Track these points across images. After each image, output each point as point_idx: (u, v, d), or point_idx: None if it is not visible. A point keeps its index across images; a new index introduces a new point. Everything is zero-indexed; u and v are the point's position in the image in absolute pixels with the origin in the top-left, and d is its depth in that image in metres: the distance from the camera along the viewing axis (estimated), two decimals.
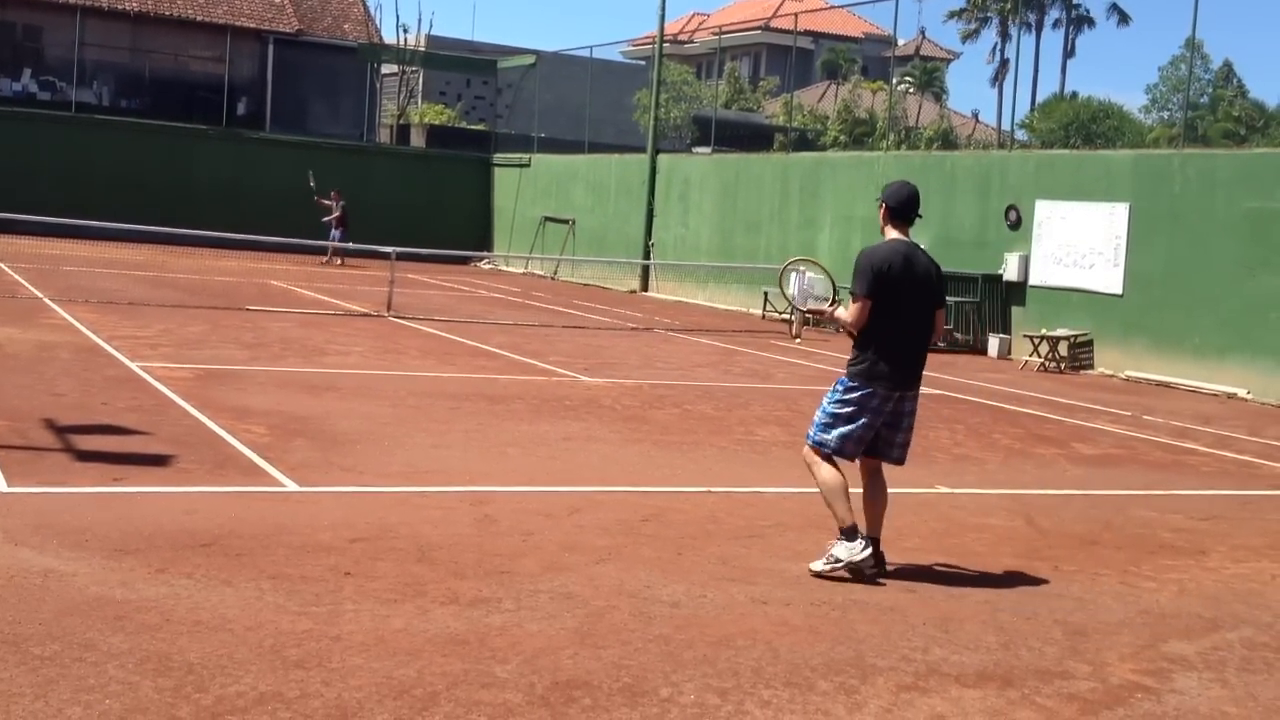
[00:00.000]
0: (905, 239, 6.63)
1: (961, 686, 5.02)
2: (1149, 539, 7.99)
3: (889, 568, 6.57)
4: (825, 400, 6.62)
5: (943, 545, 7.37)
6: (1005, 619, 5.96)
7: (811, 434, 6.61)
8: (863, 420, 6.47)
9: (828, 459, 6.54)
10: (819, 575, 6.40)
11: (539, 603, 5.67)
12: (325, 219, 29.62)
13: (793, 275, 7.14)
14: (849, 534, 6.42)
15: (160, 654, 4.70)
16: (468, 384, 12.67)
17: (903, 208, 6.64)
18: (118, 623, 5.00)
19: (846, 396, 6.50)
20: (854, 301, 6.46)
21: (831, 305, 6.86)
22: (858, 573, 6.39)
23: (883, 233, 6.71)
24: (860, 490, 6.63)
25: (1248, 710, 5.02)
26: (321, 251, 29.14)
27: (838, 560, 6.40)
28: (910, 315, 6.50)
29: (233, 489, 7.49)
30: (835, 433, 6.51)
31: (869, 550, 6.40)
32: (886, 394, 6.46)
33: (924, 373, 6.68)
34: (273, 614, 5.25)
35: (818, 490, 6.58)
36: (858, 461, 6.66)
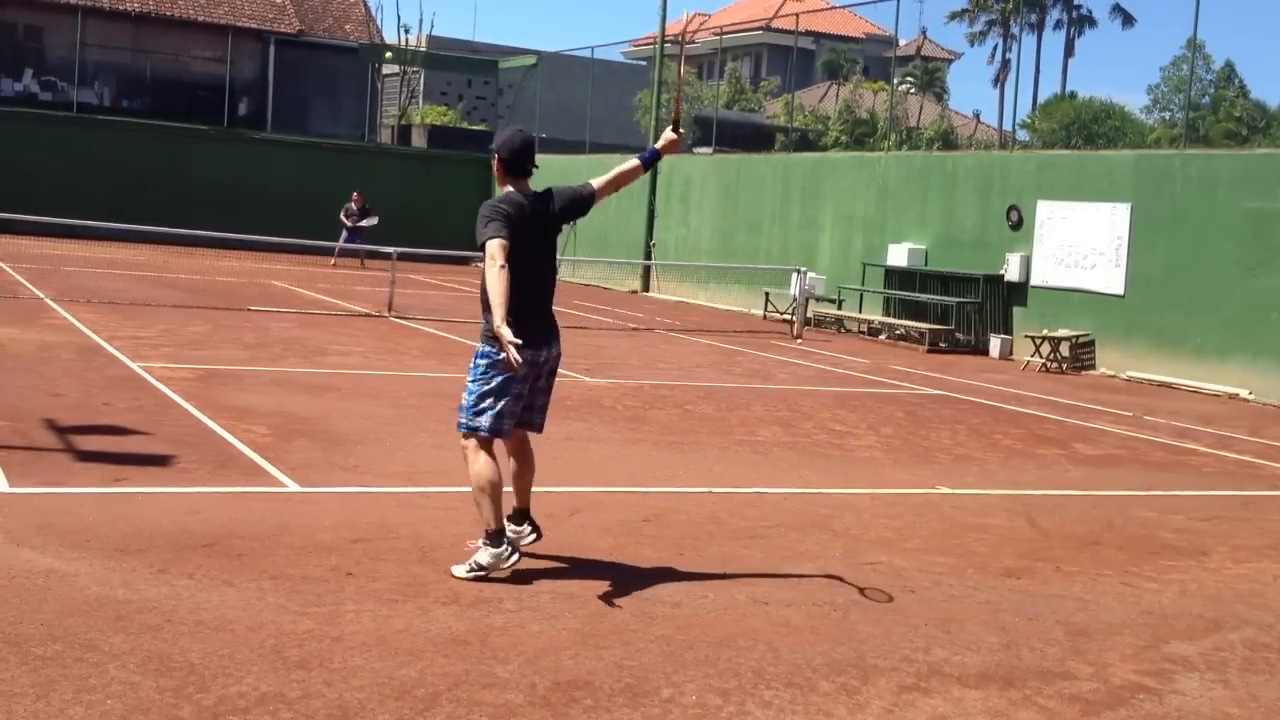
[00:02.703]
0: (525, 191, 6.10)
1: (963, 687, 5.02)
2: (1150, 539, 7.99)
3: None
4: (469, 379, 6.00)
5: (944, 546, 7.36)
6: (1007, 619, 5.96)
7: (462, 421, 5.95)
8: (512, 390, 5.93)
9: (485, 447, 5.94)
10: (461, 578, 5.84)
11: (540, 603, 5.67)
12: (364, 224, 29.44)
13: None
14: (495, 538, 5.88)
15: (162, 654, 4.70)
16: None
17: (516, 158, 6.10)
18: (119, 623, 5.00)
19: (491, 368, 5.91)
20: (496, 243, 5.76)
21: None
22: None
23: (501, 187, 6.18)
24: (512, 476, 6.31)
25: (1250, 711, 5.02)
26: (358, 255, 29.25)
27: (481, 568, 5.85)
28: (537, 268, 5.99)
29: (234, 489, 7.49)
30: (487, 412, 5.92)
31: (516, 557, 5.92)
32: (531, 356, 5.86)
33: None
34: (274, 614, 5.24)
35: (471, 486, 5.99)
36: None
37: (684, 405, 12.24)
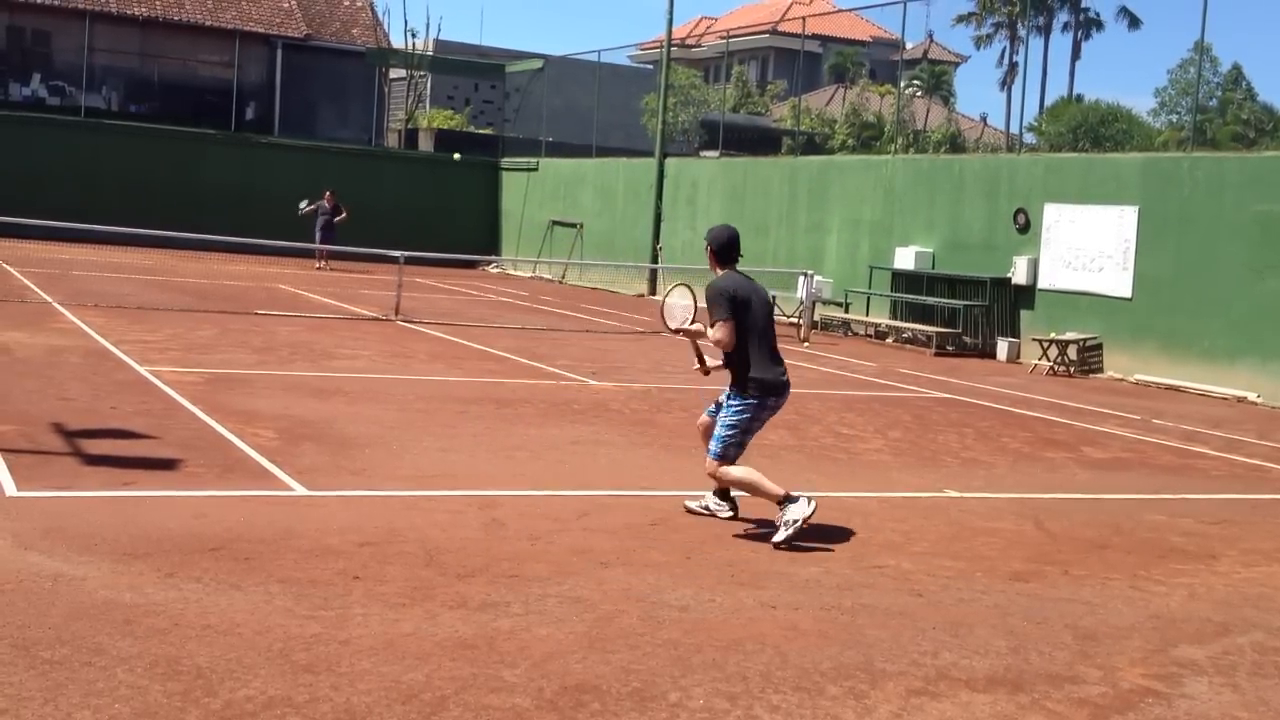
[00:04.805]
0: (736, 272, 7.51)
1: (971, 691, 5.01)
2: (1159, 543, 7.97)
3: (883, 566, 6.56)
4: (723, 418, 7.37)
5: (952, 549, 7.35)
6: (1015, 623, 5.95)
7: (715, 450, 7.34)
8: (752, 430, 7.40)
9: (729, 463, 7.34)
10: (783, 544, 6.96)
11: (547, 607, 5.67)
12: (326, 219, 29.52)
13: (670, 303, 7.73)
14: (787, 499, 7.09)
15: (169, 658, 4.70)
16: (476, 388, 12.67)
17: (726, 249, 7.49)
18: (127, 627, 5.01)
19: (742, 411, 7.31)
20: (721, 325, 7.25)
21: (693, 324, 7.57)
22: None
23: (715, 271, 7.52)
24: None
25: (1259, 715, 5.00)
26: (326, 256, 29.37)
27: (796, 520, 7.00)
28: (763, 332, 7.37)
29: (241, 493, 7.49)
30: (735, 446, 7.34)
31: (814, 505, 7.10)
32: (767, 403, 7.36)
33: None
34: (281, 618, 5.25)
35: (741, 491, 7.42)
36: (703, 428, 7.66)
37: (691, 409, 12.21)
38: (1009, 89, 58.53)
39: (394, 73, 43.61)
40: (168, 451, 8.42)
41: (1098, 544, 7.78)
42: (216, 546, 6.23)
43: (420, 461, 8.82)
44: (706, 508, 7.66)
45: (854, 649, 5.39)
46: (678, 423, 11.33)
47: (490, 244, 35.69)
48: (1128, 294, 18.45)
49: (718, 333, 7.26)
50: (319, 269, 29.26)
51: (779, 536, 7.02)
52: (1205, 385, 17.07)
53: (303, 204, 29.42)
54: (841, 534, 7.52)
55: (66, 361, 12.18)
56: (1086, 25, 59.43)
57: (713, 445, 7.37)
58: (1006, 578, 6.79)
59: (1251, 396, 16.51)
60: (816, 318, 22.07)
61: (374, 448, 9.10)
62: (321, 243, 28.71)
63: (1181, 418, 14.34)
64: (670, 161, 30.19)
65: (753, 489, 7.25)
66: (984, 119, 55.91)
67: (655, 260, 29.19)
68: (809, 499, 7.12)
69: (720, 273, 7.46)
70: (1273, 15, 74.05)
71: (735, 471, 7.32)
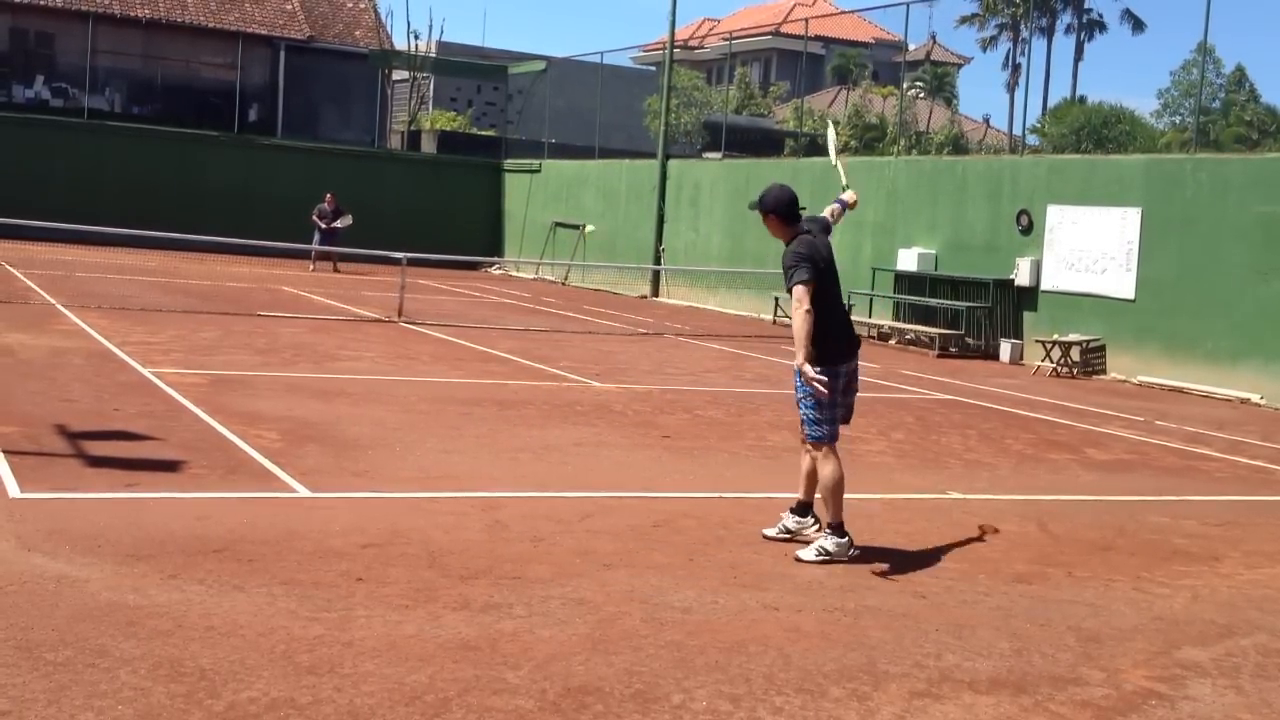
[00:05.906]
0: (804, 230, 6.99)
1: (974, 693, 5.00)
2: (1162, 545, 7.97)
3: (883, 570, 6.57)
4: (800, 396, 6.85)
5: (954, 551, 7.35)
6: (1018, 625, 5.95)
7: (811, 432, 6.87)
8: (834, 400, 6.87)
9: (833, 452, 6.86)
10: (807, 562, 6.68)
11: (550, 608, 5.67)
12: (338, 224, 29.47)
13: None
14: (839, 529, 6.78)
15: (172, 660, 4.70)
16: (478, 389, 12.67)
17: (791, 208, 6.98)
18: (130, 628, 5.01)
19: (812, 392, 6.78)
20: (801, 288, 6.67)
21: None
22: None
23: (781, 235, 6.98)
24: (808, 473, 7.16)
25: (1262, 717, 5.00)
26: (330, 258, 29.34)
27: (828, 554, 6.69)
28: (835, 293, 6.97)
29: (244, 494, 7.50)
30: (825, 423, 6.85)
31: (856, 551, 6.79)
32: (841, 369, 6.90)
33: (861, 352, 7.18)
34: (285, 620, 5.25)
35: (822, 485, 6.88)
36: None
37: (693, 410, 12.23)
38: (1012, 90, 58.56)
39: (397, 74, 43.63)
40: (171, 453, 8.42)
41: (1101, 546, 7.78)
42: (220, 548, 6.24)
43: (423, 463, 8.82)
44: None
45: (857, 651, 5.39)
46: (680, 424, 11.33)
47: (493, 245, 35.70)
48: (1130, 295, 18.44)
49: (800, 297, 6.66)
50: (313, 271, 29.15)
51: (808, 555, 6.69)
52: (1208, 387, 17.06)
53: (338, 221, 29.45)
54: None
55: (69, 363, 12.19)
56: (1089, 27, 59.49)
57: (804, 426, 6.88)
58: (1010, 579, 6.79)
59: (1255, 398, 16.50)
60: None
61: (377, 449, 9.10)
62: (322, 244, 28.71)
63: (1185, 419, 14.33)
64: (673, 163, 30.19)
65: (829, 493, 6.78)
66: (987, 120, 55.92)
67: (658, 261, 29.19)
68: (852, 543, 6.77)
69: (796, 236, 6.90)
70: (1276, 16, 74.05)
71: (832, 465, 6.79)
